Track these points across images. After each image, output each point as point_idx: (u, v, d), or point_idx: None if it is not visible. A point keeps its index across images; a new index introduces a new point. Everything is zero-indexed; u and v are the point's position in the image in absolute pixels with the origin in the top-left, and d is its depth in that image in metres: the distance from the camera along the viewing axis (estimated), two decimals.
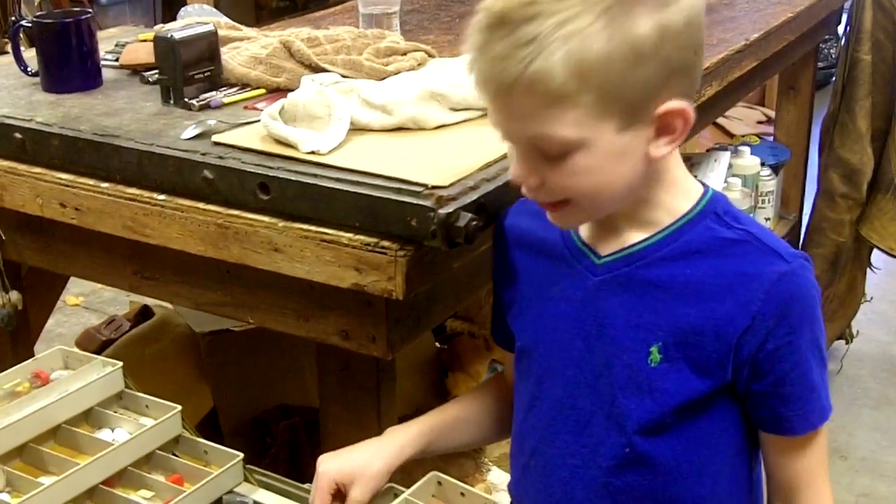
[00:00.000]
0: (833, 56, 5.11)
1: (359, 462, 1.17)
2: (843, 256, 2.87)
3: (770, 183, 2.83)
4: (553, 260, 1.11)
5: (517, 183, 1.00)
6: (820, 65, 3.15)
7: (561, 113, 0.93)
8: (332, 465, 1.17)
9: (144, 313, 2.35)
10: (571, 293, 1.08)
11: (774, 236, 1.06)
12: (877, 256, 2.94)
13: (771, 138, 3.20)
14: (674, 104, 0.96)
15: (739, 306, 1.00)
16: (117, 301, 3.40)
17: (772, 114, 4.01)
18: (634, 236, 1.06)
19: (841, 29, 2.91)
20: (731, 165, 2.74)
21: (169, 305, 2.23)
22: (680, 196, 1.06)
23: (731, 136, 3.84)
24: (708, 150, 2.85)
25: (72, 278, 2.02)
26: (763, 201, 2.84)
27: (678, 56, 0.95)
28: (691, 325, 1.02)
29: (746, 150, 2.80)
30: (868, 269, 2.97)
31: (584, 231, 1.09)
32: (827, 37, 3.60)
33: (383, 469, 1.17)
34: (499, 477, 2.00)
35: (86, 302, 3.51)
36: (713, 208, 1.06)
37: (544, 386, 1.11)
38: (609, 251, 1.07)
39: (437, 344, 2.38)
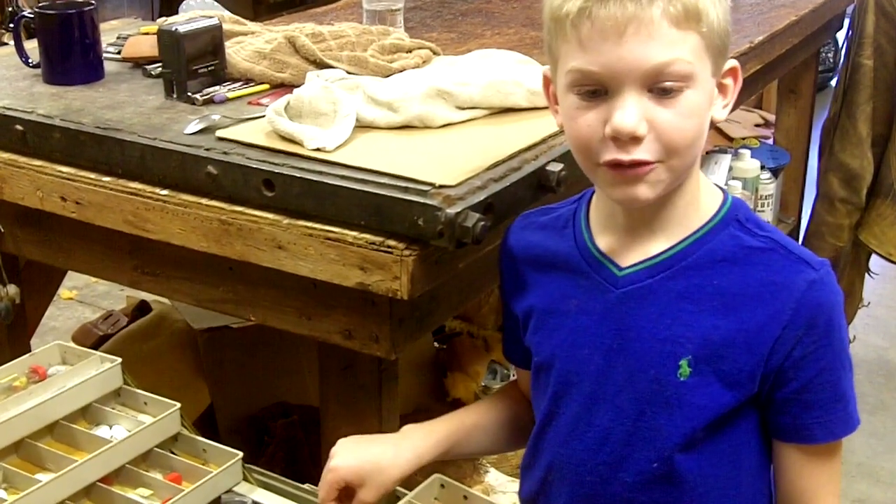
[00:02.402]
0: (831, 60, 5.12)
1: (375, 465, 1.13)
2: (841, 261, 2.87)
3: (770, 186, 2.84)
4: (569, 273, 1.09)
5: (625, 131, 0.95)
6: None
7: (686, 36, 0.95)
8: (346, 462, 1.12)
9: (142, 308, 2.34)
10: (591, 306, 1.06)
11: (796, 243, 1.05)
12: (875, 262, 2.94)
13: (769, 141, 3.20)
14: (732, 62, 1.03)
15: (769, 316, 0.99)
16: (111, 295, 3.38)
17: (770, 117, 4.01)
18: (656, 245, 1.04)
19: (842, 34, 2.91)
20: (731, 168, 2.74)
21: (167, 301, 2.22)
22: (702, 202, 1.04)
23: (730, 139, 3.82)
24: (708, 153, 2.85)
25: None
26: (762, 204, 2.84)
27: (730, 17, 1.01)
28: (722, 337, 1.00)
29: (746, 153, 2.80)
30: (866, 275, 2.97)
31: (602, 241, 1.07)
32: (827, 41, 3.60)
33: (397, 477, 1.13)
34: (496, 479, 1.99)
35: (80, 296, 3.49)
36: (735, 215, 1.04)
37: (561, 402, 1.09)
38: (631, 262, 1.05)
39: (435, 344, 2.37)
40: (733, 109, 1.07)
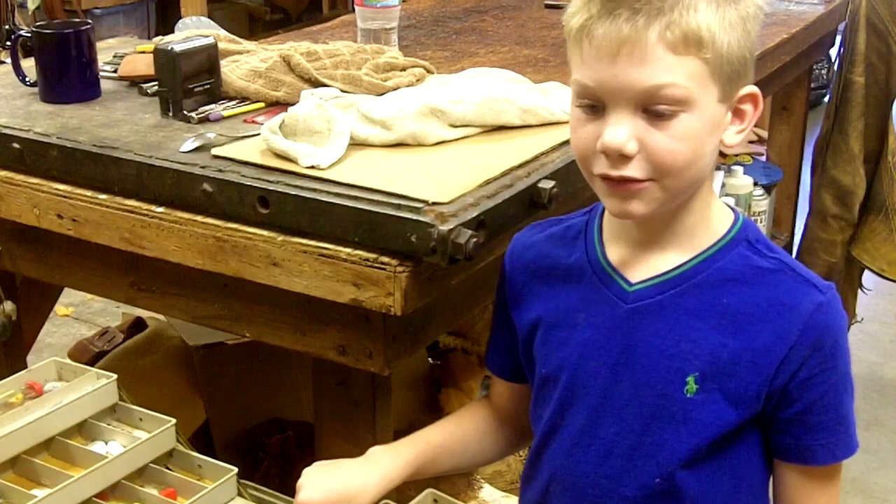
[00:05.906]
0: (824, 77, 5.14)
1: (344, 495, 1.11)
2: (834, 277, 2.88)
3: (762, 203, 2.85)
4: (578, 285, 1.09)
5: (612, 148, 0.96)
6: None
7: (685, 62, 0.95)
8: (314, 495, 1.11)
9: (138, 325, 2.34)
10: (600, 320, 1.07)
11: (804, 266, 1.05)
12: (868, 277, 2.95)
13: (762, 158, 3.21)
14: (751, 87, 1.01)
15: (777, 337, 1.00)
16: (107, 312, 3.39)
17: (763, 133, 4.03)
18: (667, 262, 1.04)
19: (834, 51, 2.93)
20: (724, 185, 2.75)
21: (162, 318, 2.22)
22: (713, 221, 1.05)
23: (723, 155, 3.85)
24: None
25: None
26: (755, 221, 2.85)
27: (754, 42, 1.00)
28: (729, 355, 1.01)
29: (739, 169, 2.82)
30: (859, 290, 2.98)
31: (613, 254, 1.08)
32: (819, 58, 3.62)
33: (368, 503, 1.13)
34: (491, 494, 2.00)
35: (76, 312, 3.49)
36: (745, 235, 1.05)
37: (566, 414, 1.09)
38: (641, 277, 1.05)
39: (430, 360, 2.37)
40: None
